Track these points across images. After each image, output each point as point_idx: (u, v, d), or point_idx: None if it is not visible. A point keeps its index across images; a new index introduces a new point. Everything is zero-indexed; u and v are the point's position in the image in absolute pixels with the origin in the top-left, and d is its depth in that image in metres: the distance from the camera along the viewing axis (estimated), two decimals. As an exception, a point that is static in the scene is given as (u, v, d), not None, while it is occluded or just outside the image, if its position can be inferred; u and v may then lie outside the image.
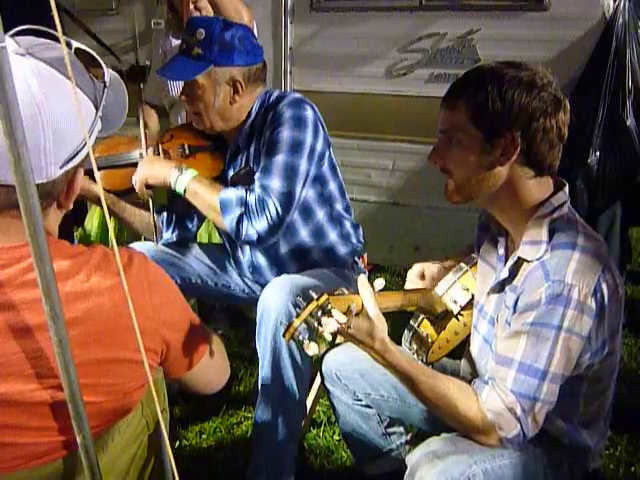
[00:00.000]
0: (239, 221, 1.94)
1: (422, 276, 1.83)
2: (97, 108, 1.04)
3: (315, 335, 1.29)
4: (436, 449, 1.41)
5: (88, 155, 0.96)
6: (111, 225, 0.92)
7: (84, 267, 1.03)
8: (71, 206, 1.10)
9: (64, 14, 3.51)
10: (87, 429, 0.98)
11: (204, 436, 2.45)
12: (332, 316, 1.28)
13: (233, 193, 1.97)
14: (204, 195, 2.00)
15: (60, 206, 1.06)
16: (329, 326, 1.27)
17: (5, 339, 0.96)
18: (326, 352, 1.96)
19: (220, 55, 1.99)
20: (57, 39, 0.84)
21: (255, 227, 1.93)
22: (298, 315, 1.30)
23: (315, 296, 1.31)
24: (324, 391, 2.41)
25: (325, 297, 1.30)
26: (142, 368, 1.10)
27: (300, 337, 1.29)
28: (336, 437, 2.44)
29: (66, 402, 0.97)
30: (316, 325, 1.28)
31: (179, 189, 2.01)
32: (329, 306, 1.29)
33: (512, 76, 1.36)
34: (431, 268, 1.82)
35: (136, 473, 1.26)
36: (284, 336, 1.31)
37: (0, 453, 1.01)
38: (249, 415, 2.56)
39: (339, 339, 2.26)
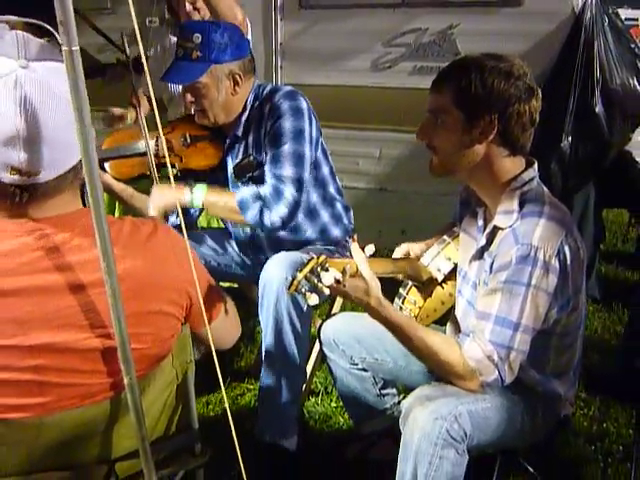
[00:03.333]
0: (261, 213, 2.14)
1: (407, 254, 2.02)
2: None
3: (315, 289, 1.48)
4: (427, 394, 1.61)
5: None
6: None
7: (119, 234, 1.19)
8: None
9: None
10: (133, 372, 1.16)
11: (211, 406, 2.63)
12: (329, 272, 1.47)
13: (247, 192, 2.17)
14: (222, 203, 2.20)
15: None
16: (326, 280, 1.46)
17: (62, 295, 1.13)
18: (324, 321, 2.14)
19: (218, 54, 2.15)
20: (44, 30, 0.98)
21: (277, 214, 2.13)
22: (301, 270, 1.49)
23: (314, 257, 1.51)
24: (320, 363, 2.61)
25: (324, 257, 1.51)
26: (173, 319, 1.30)
27: (303, 290, 1.48)
28: (333, 404, 2.63)
29: (113, 349, 1.15)
30: (316, 281, 1.47)
31: (197, 205, 2.19)
32: (327, 264, 1.49)
33: (492, 66, 1.55)
34: (415, 249, 2.01)
35: (166, 419, 1.43)
36: (289, 289, 1.51)
37: (59, 392, 1.17)
38: (251, 387, 2.75)
39: (336, 307, 2.46)
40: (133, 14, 1.00)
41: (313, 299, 1.49)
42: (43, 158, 1.04)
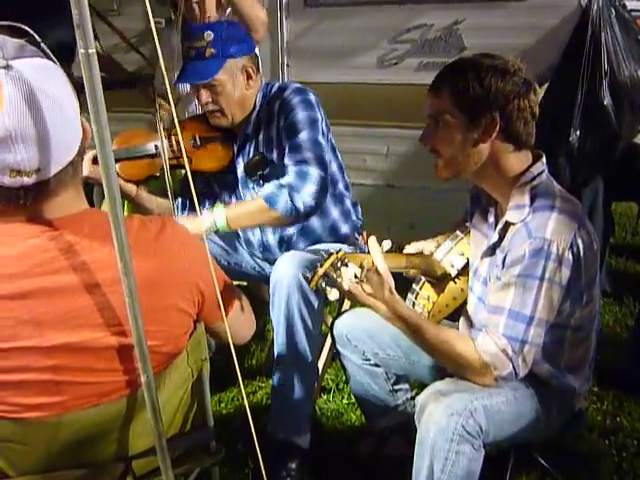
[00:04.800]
0: (291, 200, 2.09)
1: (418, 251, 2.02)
2: None
3: (334, 284, 1.49)
4: (441, 389, 1.61)
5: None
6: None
7: (129, 232, 1.18)
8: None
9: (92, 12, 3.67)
10: (150, 370, 1.17)
11: (223, 404, 2.64)
12: (349, 267, 1.48)
13: (269, 187, 2.15)
14: (245, 210, 2.18)
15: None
16: (346, 275, 1.47)
17: (76, 295, 1.13)
18: (336, 317, 2.15)
19: (230, 48, 2.16)
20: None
21: (307, 193, 2.09)
22: (321, 265, 1.50)
23: (334, 252, 1.51)
24: (332, 360, 2.62)
25: (342, 252, 1.51)
26: (185, 316, 1.30)
27: (323, 285, 1.49)
28: (345, 401, 2.63)
29: (128, 346, 1.16)
30: (335, 276, 1.47)
31: (221, 226, 2.14)
32: (346, 260, 1.49)
33: (488, 64, 1.57)
34: (428, 247, 2.01)
35: (182, 417, 1.44)
36: (309, 283, 1.52)
37: (75, 392, 1.18)
38: (262, 385, 2.76)
39: (346, 304, 2.47)
40: (150, 15, 1.00)
41: (333, 294, 1.50)
42: (40, 155, 1.04)
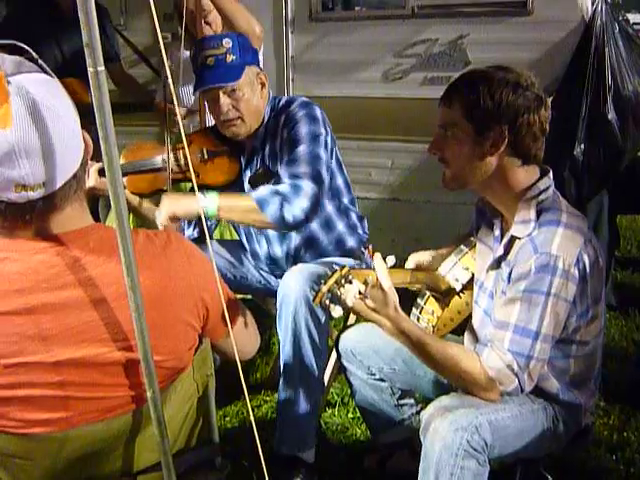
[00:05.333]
0: (281, 209, 2.05)
1: (421, 263, 2.02)
2: None
3: (338, 301, 1.49)
4: (446, 404, 1.61)
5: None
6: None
7: (134, 246, 1.19)
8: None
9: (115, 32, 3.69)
10: (156, 385, 1.17)
11: (228, 418, 2.64)
12: (352, 284, 1.48)
13: (264, 190, 2.12)
14: (238, 204, 2.13)
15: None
16: (350, 292, 1.47)
17: (81, 310, 1.13)
18: (341, 332, 2.15)
19: (247, 55, 2.20)
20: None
21: (299, 206, 2.07)
22: (325, 282, 1.50)
23: (338, 268, 1.52)
24: (337, 374, 2.61)
25: (347, 269, 1.51)
26: (191, 330, 1.30)
27: (327, 302, 1.49)
28: (350, 415, 2.63)
29: (134, 361, 1.16)
30: (338, 293, 1.47)
31: (212, 211, 2.06)
32: (350, 276, 1.49)
33: (500, 78, 1.57)
34: (425, 257, 2.01)
35: (187, 432, 1.43)
36: (313, 301, 1.52)
37: (81, 407, 1.18)
38: (267, 399, 2.75)
39: (352, 319, 2.47)
40: (158, 29, 1.01)
41: (337, 311, 1.50)
42: (44, 169, 1.04)
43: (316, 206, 2.13)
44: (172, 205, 2.05)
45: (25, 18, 3.37)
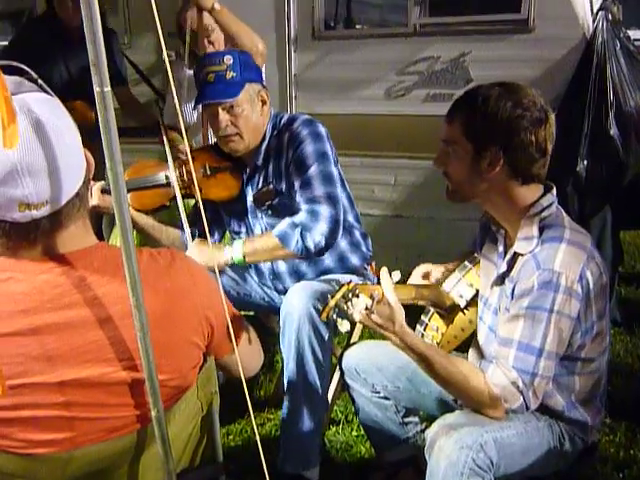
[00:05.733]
0: (302, 239, 2.11)
1: (425, 276, 2.02)
2: None
3: (345, 315, 1.49)
4: (451, 422, 1.60)
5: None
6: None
7: (138, 265, 1.20)
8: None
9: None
10: (160, 404, 1.17)
11: (231, 436, 2.62)
12: (359, 299, 1.48)
13: (283, 224, 2.16)
14: (262, 246, 2.19)
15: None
16: (357, 307, 1.47)
17: (86, 330, 1.13)
18: (344, 350, 2.14)
19: (249, 72, 2.21)
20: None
21: (319, 232, 2.11)
22: (332, 297, 1.50)
23: (345, 283, 1.52)
24: (341, 392, 2.60)
25: (353, 284, 1.51)
26: (195, 349, 1.30)
27: (334, 316, 1.49)
28: (354, 433, 2.61)
29: (139, 381, 1.16)
30: (345, 307, 1.48)
31: (238, 259, 2.18)
32: (357, 291, 1.50)
33: (498, 96, 1.56)
34: (435, 273, 2.01)
35: (191, 451, 1.43)
36: (320, 315, 1.52)
37: (85, 427, 1.18)
38: (271, 417, 2.74)
39: (355, 336, 2.46)
40: (164, 47, 1.02)
41: (344, 325, 1.50)
42: (48, 187, 1.04)
43: (337, 227, 2.16)
44: (200, 259, 2.08)
45: (33, 39, 3.40)
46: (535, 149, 1.56)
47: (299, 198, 2.18)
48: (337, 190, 2.18)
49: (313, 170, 2.16)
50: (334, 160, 2.27)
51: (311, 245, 2.12)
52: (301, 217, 2.14)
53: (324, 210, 2.12)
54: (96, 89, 0.88)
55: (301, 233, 2.12)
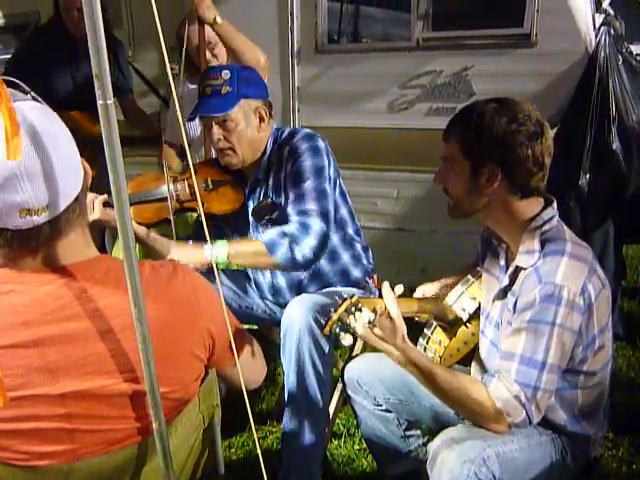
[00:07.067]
0: (290, 250, 2.08)
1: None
2: None
3: (348, 329, 1.49)
4: (454, 436, 1.59)
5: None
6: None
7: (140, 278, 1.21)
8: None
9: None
10: (162, 417, 1.16)
11: (233, 450, 2.61)
12: (362, 312, 1.48)
13: (272, 232, 2.13)
14: (247, 250, 2.15)
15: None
16: (360, 321, 1.47)
17: (87, 342, 1.13)
18: (347, 362, 2.14)
19: (246, 88, 2.21)
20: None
21: (307, 246, 2.09)
22: (335, 310, 1.50)
23: (348, 297, 1.52)
24: (342, 405, 2.59)
25: (356, 297, 1.51)
26: (196, 361, 1.30)
27: (337, 330, 1.49)
28: (356, 447, 2.60)
29: (140, 393, 1.16)
30: (348, 321, 1.48)
31: (221, 260, 2.10)
32: (359, 304, 1.50)
33: (493, 113, 1.57)
34: (431, 290, 2.02)
35: (192, 464, 1.43)
36: (323, 329, 1.52)
37: (87, 439, 1.18)
38: (273, 430, 2.73)
39: (357, 349, 2.46)
40: (167, 60, 1.03)
41: (347, 339, 1.50)
42: (47, 191, 1.04)
43: (325, 244, 2.14)
44: (179, 257, 2.06)
45: (37, 50, 3.43)
46: (532, 163, 1.57)
47: (290, 210, 2.16)
48: (329, 207, 2.17)
49: (308, 185, 2.15)
50: (334, 174, 2.27)
51: (299, 258, 2.09)
52: (291, 228, 2.11)
53: (315, 224, 2.10)
54: (99, 102, 0.89)
55: (290, 244, 2.09)
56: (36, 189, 1.03)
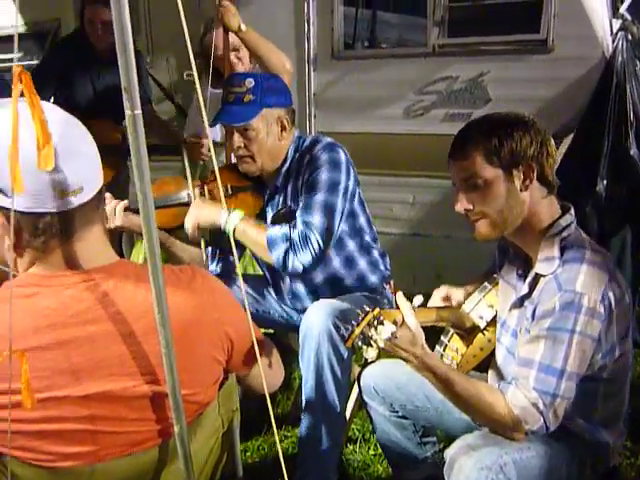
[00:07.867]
0: (285, 255, 2.11)
1: (446, 299, 2.02)
2: None
3: (369, 342, 1.49)
4: (471, 442, 1.60)
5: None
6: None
7: None
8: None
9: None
10: (183, 420, 1.18)
11: (249, 453, 2.62)
12: (384, 325, 1.49)
13: (278, 231, 2.15)
14: (252, 234, 2.17)
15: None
16: (383, 334, 1.47)
17: (109, 344, 1.16)
18: (363, 368, 2.14)
19: (269, 97, 2.22)
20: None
21: (300, 260, 2.10)
22: (358, 324, 1.50)
23: (370, 310, 1.52)
24: (358, 410, 2.59)
25: (378, 310, 1.51)
26: (216, 364, 1.32)
27: (360, 343, 1.49)
28: (371, 452, 2.60)
29: (161, 395, 1.18)
30: (370, 334, 1.48)
31: (229, 229, 2.15)
32: (381, 317, 1.50)
33: (508, 120, 1.61)
34: (456, 295, 2.00)
35: (211, 467, 1.44)
36: (346, 343, 1.52)
37: (109, 441, 1.20)
38: (288, 434, 2.74)
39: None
40: (193, 62, 1.04)
41: (371, 353, 1.50)
42: (80, 173, 1.10)
43: (318, 263, 2.16)
44: (198, 213, 2.22)
45: (62, 61, 3.48)
46: (552, 157, 1.62)
47: (298, 215, 2.17)
48: (335, 223, 2.16)
49: (319, 197, 2.15)
50: (352, 186, 2.26)
51: (289, 266, 2.12)
52: (294, 235, 2.12)
53: (315, 241, 2.10)
54: (127, 112, 0.91)
55: (287, 251, 2.11)
56: (72, 171, 1.08)
